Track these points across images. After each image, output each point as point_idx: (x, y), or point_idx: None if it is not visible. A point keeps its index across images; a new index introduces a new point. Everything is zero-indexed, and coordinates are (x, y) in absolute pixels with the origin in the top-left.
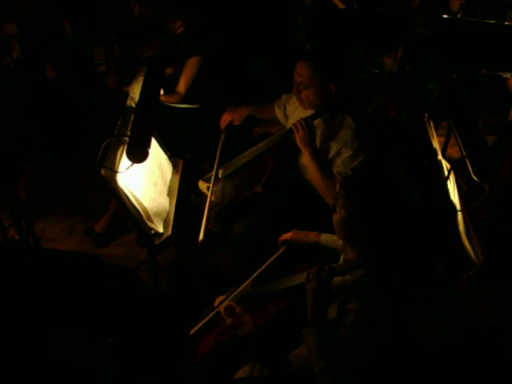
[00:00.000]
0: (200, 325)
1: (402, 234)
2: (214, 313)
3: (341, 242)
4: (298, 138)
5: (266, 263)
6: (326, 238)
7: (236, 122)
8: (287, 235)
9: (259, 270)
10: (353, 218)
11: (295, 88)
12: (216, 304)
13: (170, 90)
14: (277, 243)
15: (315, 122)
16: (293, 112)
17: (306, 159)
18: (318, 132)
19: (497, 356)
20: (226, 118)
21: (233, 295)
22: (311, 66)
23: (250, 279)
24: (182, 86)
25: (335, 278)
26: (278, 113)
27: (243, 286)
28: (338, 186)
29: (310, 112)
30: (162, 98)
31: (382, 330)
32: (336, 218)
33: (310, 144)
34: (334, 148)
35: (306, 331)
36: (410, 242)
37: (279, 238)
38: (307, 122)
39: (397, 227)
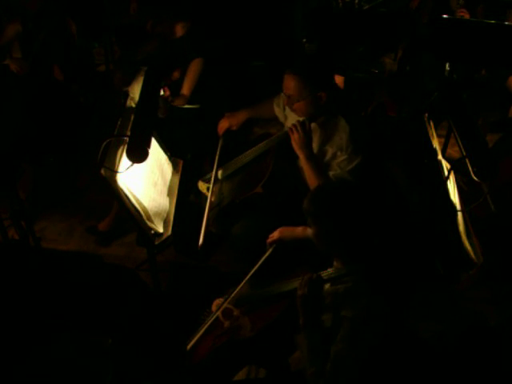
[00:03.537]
0: (198, 335)
1: (394, 238)
2: (211, 320)
3: None
4: (294, 141)
5: (256, 265)
6: None
7: (234, 128)
8: (274, 235)
9: (250, 273)
10: (323, 235)
11: (287, 100)
12: (213, 307)
13: (177, 92)
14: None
15: (312, 125)
16: (290, 111)
17: (301, 162)
18: (314, 136)
19: (497, 356)
20: (223, 124)
21: (229, 298)
22: (298, 79)
23: (243, 283)
24: (186, 88)
25: (328, 286)
26: (278, 111)
27: (238, 289)
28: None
29: None
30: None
31: (377, 336)
32: (311, 233)
33: (305, 147)
34: (329, 152)
35: (299, 336)
36: (407, 244)
37: (267, 239)
38: (304, 125)
39: (386, 232)
